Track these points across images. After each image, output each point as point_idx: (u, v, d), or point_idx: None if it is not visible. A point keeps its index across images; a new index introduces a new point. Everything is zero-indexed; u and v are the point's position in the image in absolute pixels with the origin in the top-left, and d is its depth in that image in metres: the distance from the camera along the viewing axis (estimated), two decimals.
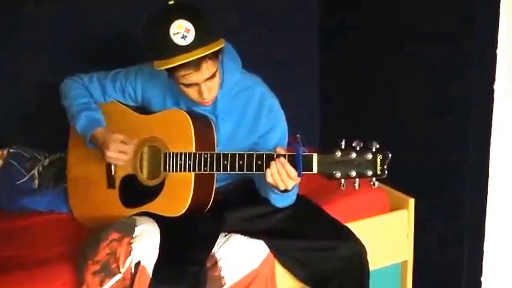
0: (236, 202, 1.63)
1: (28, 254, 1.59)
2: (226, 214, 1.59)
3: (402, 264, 1.85)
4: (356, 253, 1.52)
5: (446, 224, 1.84)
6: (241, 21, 2.21)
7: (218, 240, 1.56)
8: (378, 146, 1.27)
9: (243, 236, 1.57)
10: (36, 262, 1.52)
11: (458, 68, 1.71)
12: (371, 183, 1.28)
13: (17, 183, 1.92)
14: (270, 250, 1.57)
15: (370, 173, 1.26)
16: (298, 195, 1.64)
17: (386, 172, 1.26)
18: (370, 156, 1.26)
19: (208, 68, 1.38)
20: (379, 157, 1.26)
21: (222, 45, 1.38)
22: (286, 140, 1.58)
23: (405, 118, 1.94)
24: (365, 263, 1.54)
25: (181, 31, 1.31)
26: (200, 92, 1.43)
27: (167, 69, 1.38)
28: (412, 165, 1.81)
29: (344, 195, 1.77)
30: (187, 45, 1.32)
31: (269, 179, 1.37)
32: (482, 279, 1.76)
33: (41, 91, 2.07)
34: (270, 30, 2.27)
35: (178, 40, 1.32)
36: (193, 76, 1.38)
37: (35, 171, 1.97)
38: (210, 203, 1.56)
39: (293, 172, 1.34)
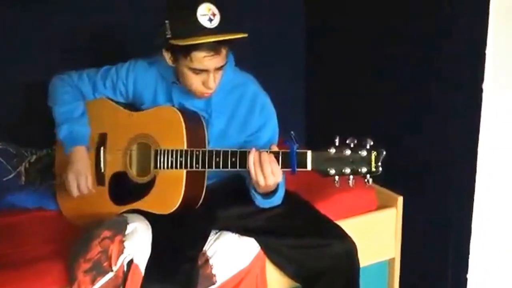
0: (226, 200, 1.63)
1: (16, 252, 1.56)
2: (217, 212, 1.59)
3: (390, 262, 1.87)
4: (347, 250, 1.53)
5: (432, 221, 1.87)
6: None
7: (209, 238, 1.55)
8: (372, 143, 1.28)
9: (234, 234, 1.57)
10: (25, 260, 1.50)
11: (440, 67, 1.73)
12: (365, 180, 1.29)
13: (4, 180, 1.89)
14: (261, 247, 1.57)
15: (364, 170, 1.27)
16: (287, 192, 1.65)
17: (381, 169, 1.27)
18: (364, 153, 1.27)
19: (223, 55, 1.41)
20: (374, 154, 1.27)
21: (244, 35, 1.39)
22: (277, 137, 1.59)
23: (390, 115, 1.96)
24: (356, 260, 1.55)
25: (208, 14, 1.36)
26: (206, 81, 1.44)
27: (184, 51, 1.39)
28: (398, 163, 1.83)
29: (332, 193, 1.78)
30: (213, 28, 1.35)
31: (251, 170, 1.36)
32: (468, 276, 1.79)
33: (28, 88, 2.04)
34: (256, 28, 2.26)
35: (204, 22, 1.35)
36: (209, 61, 1.39)
37: (22, 168, 1.93)
38: (201, 200, 1.56)
39: (276, 168, 1.34)
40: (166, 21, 1.39)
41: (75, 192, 1.54)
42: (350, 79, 2.17)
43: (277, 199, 1.52)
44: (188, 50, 1.39)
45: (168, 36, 1.40)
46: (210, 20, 1.35)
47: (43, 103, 1.81)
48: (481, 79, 1.63)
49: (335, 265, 1.51)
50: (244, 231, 1.57)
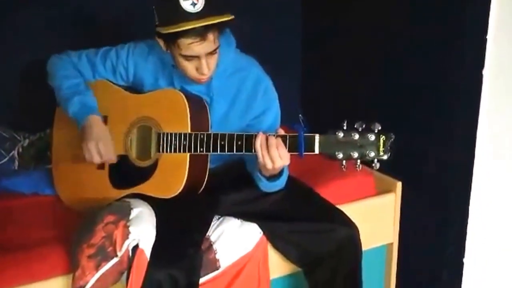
0: (228, 184, 1.61)
1: (12, 237, 1.52)
2: (220, 197, 1.58)
3: (388, 246, 1.89)
4: (350, 235, 1.53)
5: (430, 206, 1.88)
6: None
7: (212, 223, 1.54)
8: (380, 127, 1.27)
9: (236, 219, 1.56)
10: (22, 245, 1.47)
11: (445, 53, 1.74)
12: (373, 164, 1.29)
13: None
14: (264, 233, 1.56)
15: (372, 154, 1.27)
16: (290, 177, 1.64)
17: (389, 153, 1.27)
18: (373, 137, 1.27)
19: (213, 40, 1.37)
20: (382, 138, 1.27)
21: (230, 18, 1.37)
22: (279, 122, 1.57)
23: (388, 101, 1.96)
24: (359, 245, 1.55)
25: None
26: (199, 67, 1.41)
27: (172, 38, 1.36)
28: (398, 148, 1.84)
29: (331, 179, 1.79)
30: (196, 13, 1.32)
31: (258, 153, 1.34)
32: (465, 260, 1.81)
33: (20, 70, 1.97)
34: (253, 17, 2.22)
35: (187, 6, 1.32)
36: (197, 46, 1.36)
37: (15, 152, 1.89)
38: (204, 185, 1.54)
39: (284, 151, 1.33)
40: (154, 8, 1.36)
41: (97, 159, 1.46)
42: (349, 65, 2.16)
43: (281, 183, 1.51)
44: (174, 38, 1.36)
45: (156, 23, 1.38)
46: (194, 4, 1.32)
47: (35, 86, 1.77)
48: (482, 65, 1.64)
49: (338, 250, 1.51)
50: (246, 217, 1.56)
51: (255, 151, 1.35)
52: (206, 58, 1.40)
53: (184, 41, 1.35)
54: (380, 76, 1.99)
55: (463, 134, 1.74)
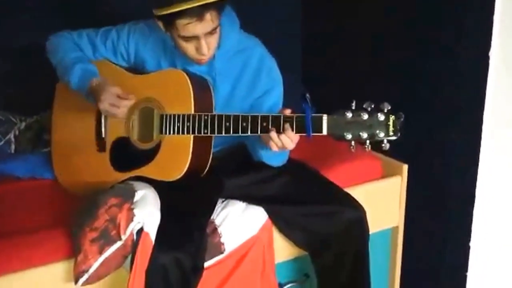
0: (233, 168, 1.58)
1: (10, 221, 1.48)
2: (224, 180, 1.54)
3: (393, 230, 1.87)
4: (357, 218, 1.51)
5: (435, 190, 1.86)
6: None
7: (216, 206, 1.51)
8: (390, 107, 1.24)
9: (241, 202, 1.54)
10: (21, 228, 1.43)
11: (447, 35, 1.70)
12: (383, 145, 1.25)
13: None
14: (269, 216, 1.53)
15: (382, 134, 1.24)
16: (296, 161, 1.61)
17: (399, 134, 1.24)
18: (382, 117, 1.23)
19: (211, 19, 1.33)
20: (392, 118, 1.23)
21: None
22: (281, 104, 1.54)
23: (393, 84, 1.93)
24: (366, 228, 1.53)
25: None
26: (198, 48, 1.37)
27: (169, 19, 1.32)
28: (404, 131, 1.81)
29: (336, 161, 1.77)
30: None
31: (270, 143, 1.32)
32: (471, 244, 1.80)
33: (15, 51, 1.92)
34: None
35: None
36: (195, 26, 1.32)
37: (11, 135, 1.85)
38: (207, 167, 1.51)
39: (294, 136, 1.31)
40: None
41: (118, 112, 1.40)
42: (352, 47, 2.12)
43: (284, 156, 1.49)
44: (170, 19, 1.33)
45: (153, 5, 1.34)
46: None
47: (32, 68, 1.73)
48: (488, 48, 1.60)
49: (346, 233, 1.49)
50: (251, 200, 1.54)
51: (269, 145, 1.33)
52: (205, 38, 1.36)
53: (180, 22, 1.32)
54: (384, 58, 1.95)
55: (469, 117, 1.71)
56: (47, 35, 1.62)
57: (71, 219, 1.38)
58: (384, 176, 1.82)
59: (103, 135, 1.53)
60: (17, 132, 1.85)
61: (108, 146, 1.53)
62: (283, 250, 1.60)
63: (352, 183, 1.74)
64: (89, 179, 1.56)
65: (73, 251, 1.33)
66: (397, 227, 1.86)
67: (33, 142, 1.85)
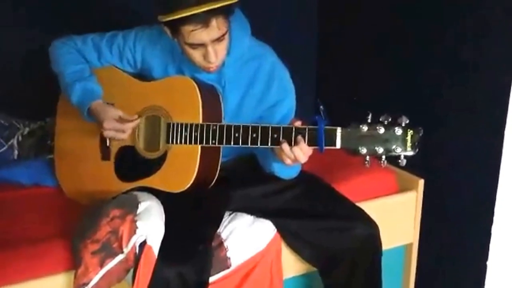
0: (240, 179, 1.52)
1: (12, 230, 1.44)
2: (231, 192, 1.49)
3: (407, 247, 1.80)
4: (370, 234, 1.45)
5: (452, 206, 1.79)
6: None
7: (223, 219, 1.46)
8: (408, 121, 1.18)
9: (249, 216, 1.48)
10: (23, 239, 1.39)
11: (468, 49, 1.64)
12: (399, 160, 1.19)
13: None
14: (278, 230, 1.48)
15: (399, 149, 1.17)
16: (307, 173, 1.55)
17: (417, 149, 1.17)
18: (400, 131, 1.17)
19: (217, 26, 1.27)
20: (410, 132, 1.17)
21: (233, 1, 1.27)
22: (293, 115, 1.48)
23: (408, 98, 1.87)
24: (379, 245, 1.47)
25: None
26: (206, 56, 1.32)
27: (174, 26, 1.27)
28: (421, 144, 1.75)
29: (349, 175, 1.71)
30: None
31: (283, 156, 1.27)
32: (488, 263, 1.72)
33: (20, 55, 1.90)
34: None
35: None
36: (201, 33, 1.27)
37: (14, 141, 1.81)
38: (215, 179, 1.45)
39: (307, 150, 1.25)
40: None
41: (122, 137, 1.38)
42: (365, 61, 2.06)
43: (296, 169, 1.43)
44: (175, 26, 1.28)
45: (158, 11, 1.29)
46: None
47: (36, 72, 1.70)
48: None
49: (357, 249, 1.43)
50: (260, 213, 1.48)
51: (280, 156, 1.28)
52: (213, 45, 1.31)
53: (186, 29, 1.26)
54: (402, 69, 1.89)
55: (490, 133, 1.64)
56: (53, 38, 1.57)
57: (73, 230, 1.32)
58: (399, 190, 1.75)
59: (108, 143, 1.49)
60: (20, 138, 1.82)
61: (112, 155, 1.49)
62: (292, 265, 1.54)
63: (365, 197, 1.68)
64: (92, 188, 1.51)
65: (74, 263, 1.28)
66: (411, 244, 1.79)
67: (36, 148, 1.81)
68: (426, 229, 1.79)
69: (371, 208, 1.60)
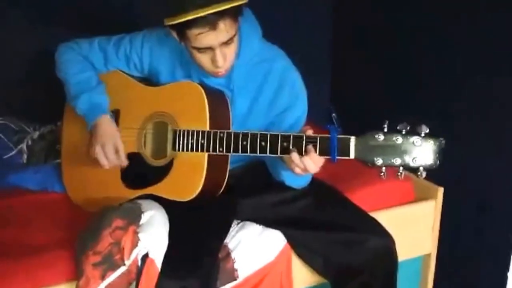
0: (249, 187, 1.47)
1: (19, 239, 1.40)
2: (240, 200, 1.43)
3: (425, 258, 1.72)
4: (385, 246, 1.38)
5: (472, 215, 1.71)
6: None
7: (231, 229, 1.40)
8: (428, 130, 1.10)
9: (258, 225, 1.42)
10: (29, 249, 1.35)
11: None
12: (418, 173, 1.11)
13: (4, 157, 1.73)
14: (288, 241, 1.42)
15: (418, 161, 1.10)
16: (318, 181, 1.49)
17: (438, 162, 1.10)
18: (419, 141, 1.09)
19: (225, 29, 1.21)
20: (430, 143, 1.09)
21: (242, 2, 1.22)
22: (304, 121, 1.41)
23: (431, 102, 1.79)
24: (394, 257, 1.40)
25: None
26: (214, 60, 1.26)
27: (180, 29, 1.22)
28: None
29: (365, 182, 1.63)
30: (203, 1, 1.16)
31: (292, 165, 1.21)
32: (509, 274, 1.64)
33: (30, 58, 1.88)
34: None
35: None
36: (208, 37, 1.21)
37: (24, 145, 1.78)
38: (223, 187, 1.40)
39: (318, 160, 1.18)
40: None
41: (106, 164, 1.36)
42: (381, 66, 1.99)
43: (307, 178, 1.37)
44: (181, 29, 1.22)
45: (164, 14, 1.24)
46: None
47: (46, 75, 1.64)
48: None
49: (372, 263, 1.36)
50: (269, 223, 1.42)
51: (289, 166, 1.22)
52: (221, 49, 1.25)
53: (192, 32, 1.21)
54: (420, 75, 1.81)
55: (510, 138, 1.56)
56: (62, 39, 1.54)
57: (76, 241, 1.28)
58: (417, 199, 1.68)
59: None
60: (29, 142, 1.79)
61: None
62: (303, 277, 1.48)
63: (381, 206, 1.61)
64: (98, 196, 1.47)
65: (76, 275, 1.24)
66: (429, 255, 1.71)
67: (46, 153, 1.78)
68: (444, 239, 1.72)
69: (387, 217, 1.54)
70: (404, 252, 1.64)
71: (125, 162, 1.38)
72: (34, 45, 1.83)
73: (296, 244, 1.42)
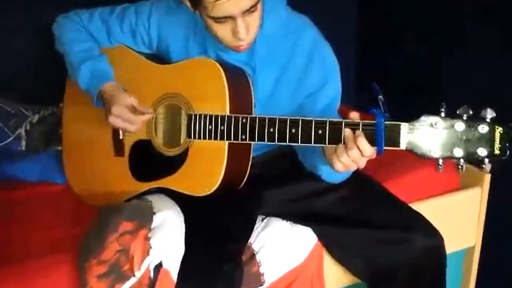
0: (275, 177, 1.30)
1: (18, 239, 1.26)
2: (264, 193, 1.27)
3: (468, 250, 1.56)
4: (432, 247, 1.21)
5: None
6: None
7: (255, 227, 1.24)
8: (494, 114, 0.91)
9: (285, 221, 1.27)
10: (28, 251, 1.20)
11: None
12: (483, 165, 0.93)
13: (0, 144, 1.57)
14: (319, 239, 1.26)
15: (484, 153, 0.91)
16: (356, 170, 1.31)
17: (508, 153, 0.91)
18: (485, 128, 0.91)
19: None
20: (499, 130, 0.91)
21: None
22: (339, 102, 1.23)
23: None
24: (443, 258, 1.24)
25: None
26: (235, 31, 1.08)
27: None
28: None
29: (405, 170, 1.47)
30: None
31: (334, 159, 1.02)
32: None
33: (27, 34, 1.72)
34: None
35: None
36: (228, 4, 1.03)
37: (22, 130, 1.62)
38: (245, 179, 1.23)
39: (368, 149, 0.98)
40: None
41: (128, 127, 1.19)
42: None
43: (348, 172, 1.18)
44: None
45: None
46: None
47: (46, 53, 1.48)
48: None
49: (418, 264, 1.20)
50: (298, 218, 1.27)
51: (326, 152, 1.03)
52: (243, 18, 1.07)
53: (208, 0, 1.03)
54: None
55: None
56: (63, 11, 1.38)
57: (78, 246, 1.12)
58: (461, 187, 1.50)
59: (121, 136, 1.28)
60: (28, 127, 1.63)
61: (126, 150, 1.28)
62: (335, 277, 1.33)
63: (422, 196, 1.45)
64: (105, 188, 1.32)
65: (79, 285, 1.08)
66: (473, 247, 1.55)
67: (46, 139, 1.62)
68: (488, 231, 1.55)
69: (429, 208, 1.39)
70: (446, 245, 1.48)
71: (151, 112, 1.20)
72: (32, 22, 1.68)
73: (329, 243, 1.27)
